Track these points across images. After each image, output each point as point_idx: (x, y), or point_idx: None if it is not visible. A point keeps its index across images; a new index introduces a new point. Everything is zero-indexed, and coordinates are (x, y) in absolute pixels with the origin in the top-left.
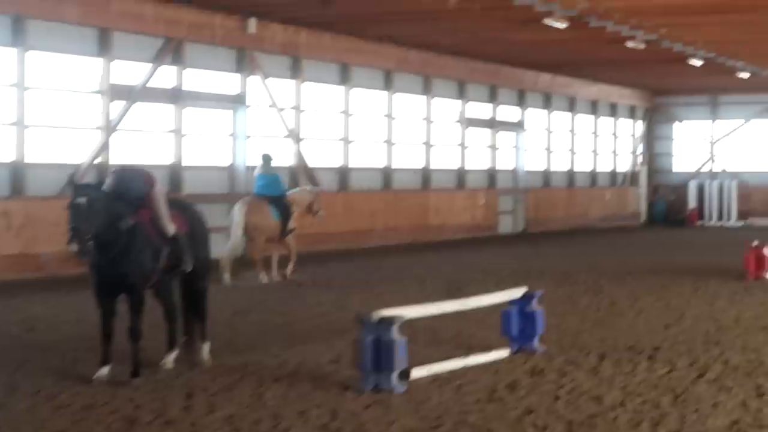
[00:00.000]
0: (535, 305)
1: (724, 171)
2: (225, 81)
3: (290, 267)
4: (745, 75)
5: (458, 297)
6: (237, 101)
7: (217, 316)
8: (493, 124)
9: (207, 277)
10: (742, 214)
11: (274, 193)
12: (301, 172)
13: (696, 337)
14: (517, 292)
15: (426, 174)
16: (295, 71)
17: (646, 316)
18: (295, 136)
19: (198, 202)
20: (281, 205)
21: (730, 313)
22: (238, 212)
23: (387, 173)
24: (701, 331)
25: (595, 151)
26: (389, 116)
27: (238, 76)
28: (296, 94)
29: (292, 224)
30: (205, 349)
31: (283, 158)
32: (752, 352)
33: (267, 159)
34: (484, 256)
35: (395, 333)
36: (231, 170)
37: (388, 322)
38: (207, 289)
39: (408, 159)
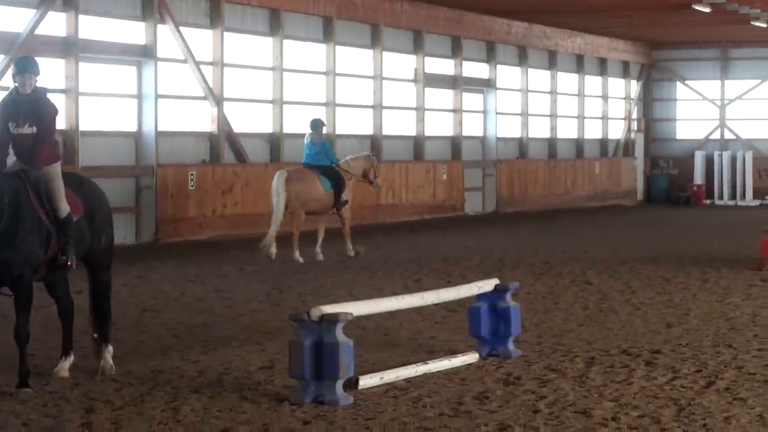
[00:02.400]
0: (509, 300)
1: (737, 139)
2: (129, 30)
3: (349, 244)
4: (762, 24)
5: (416, 290)
6: (143, 54)
7: (123, 314)
8: (456, 82)
9: (109, 269)
10: (759, 192)
11: (324, 163)
12: (224, 140)
13: (704, 338)
14: (487, 285)
15: (376, 142)
16: (215, 18)
17: (643, 314)
18: (215, 97)
19: (97, 177)
20: (333, 175)
21: (745, 310)
22: (277, 181)
23: (274, 141)
24: (710, 332)
25: (581, 116)
26: (331, 73)
27: (143, 24)
28: (216, 46)
29: (347, 195)
30: (108, 353)
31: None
32: None
33: (316, 125)
34: (448, 242)
35: (340, 334)
36: (137, 137)
37: (331, 320)
38: (110, 282)
39: (354, 124)
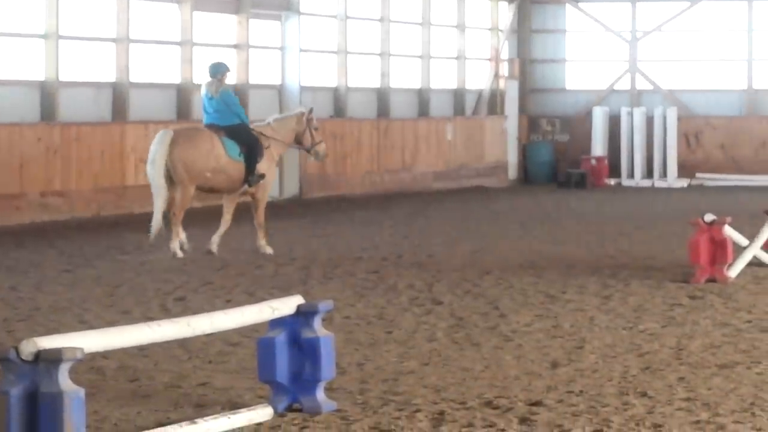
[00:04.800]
0: (318, 329)
1: (654, 91)
2: None
3: (261, 239)
4: None
5: (180, 314)
6: None
7: None
8: (241, 4)
9: None
10: (686, 167)
11: (231, 122)
12: None
13: (605, 383)
14: (285, 305)
15: (120, 93)
16: None
17: (517, 348)
18: None
19: None
20: (244, 138)
21: (666, 341)
22: (156, 145)
23: (47, 91)
24: (615, 374)
25: (425, 56)
26: None
27: None
28: None
29: (264, 167)
30: None
31: None
32: (704, 408)
33: (216, 69)
34: (228, 241)
35: (64, 379)
36: None
37: (52, 359)
38: None
39: (86, 67)
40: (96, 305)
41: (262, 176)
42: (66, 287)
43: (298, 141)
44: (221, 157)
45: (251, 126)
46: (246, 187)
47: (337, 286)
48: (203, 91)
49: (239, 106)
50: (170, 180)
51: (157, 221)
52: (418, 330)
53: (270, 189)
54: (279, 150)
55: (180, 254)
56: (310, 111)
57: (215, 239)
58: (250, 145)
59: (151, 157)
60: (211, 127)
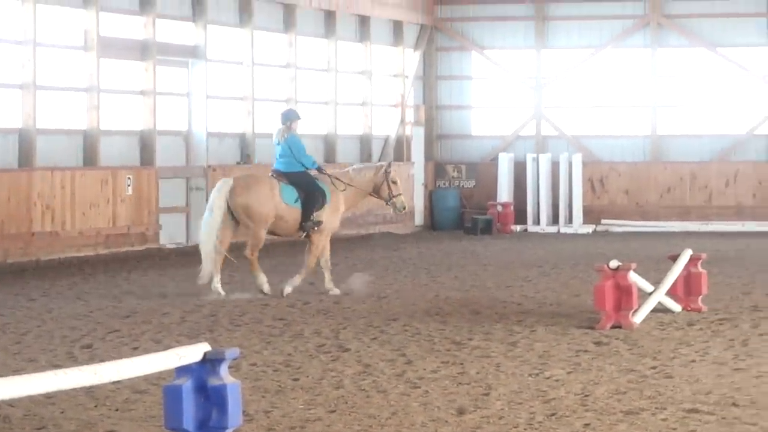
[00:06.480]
0: (224, 376)
1: (559, 137)
2: None
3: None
4: None
5: (87, 361)
6: None
7: None
8: (147, 50)
9: None
10: (592, 213)
11: (295, 169)
12: None
13: (511, 430)
14: (192, 353)
15: (26, 139)
16: None
17: (423, 394)
18: None
19: None
20: (304, 184)
21: (572, 388)
22: (217, 193)
23: None
24: (521, 420)
25: (332, 102)
26: None
27: None
28: None
29: (325, 215)
30: None
31: None
32: None
33: (287, 117)
34: (134, 289)
35: None
36: None
37: None
38: None
39: None
40: (2, 353)
41: (318, 223)
42: None
43: (375, 191)
44: (279, 202)
45: (328, 172)
46: (301, 232)
47: (244, 333)
48: (274, 137)
49: (305, 154)
50: (235, 223)
51: (206, 265)
52: (324, 377)
53: (329, 235)
54: (355, 198)
55: (267, 290)
56: (389, 165)
57: (329, 285)
58: (308, 192)
59: (209, 204)
60: (275, 173)
